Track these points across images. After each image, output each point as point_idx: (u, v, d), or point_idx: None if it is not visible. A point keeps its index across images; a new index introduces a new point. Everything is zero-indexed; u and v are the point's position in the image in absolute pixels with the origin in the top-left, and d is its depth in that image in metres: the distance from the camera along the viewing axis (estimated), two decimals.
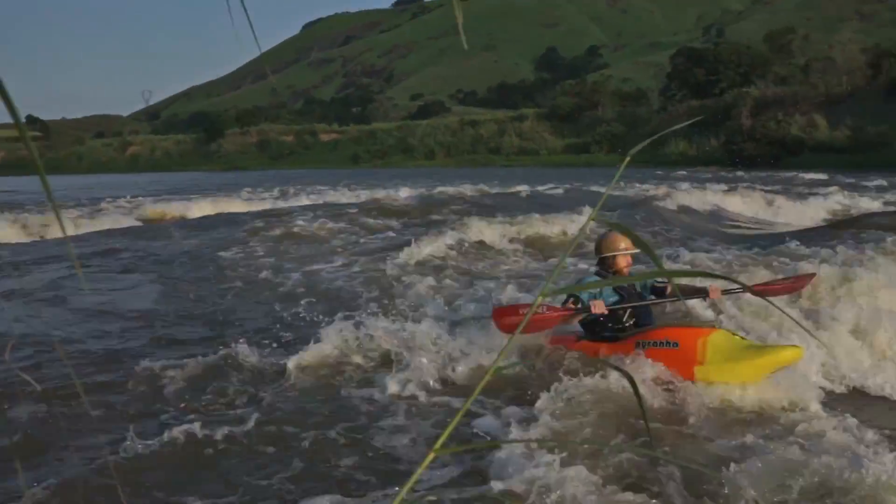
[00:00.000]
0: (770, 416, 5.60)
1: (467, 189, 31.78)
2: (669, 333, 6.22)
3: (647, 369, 5.92)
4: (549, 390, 5.76)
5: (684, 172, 57.45)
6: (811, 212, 23.59)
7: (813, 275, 7.45)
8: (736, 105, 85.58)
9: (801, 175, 48.39)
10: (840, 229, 17.03)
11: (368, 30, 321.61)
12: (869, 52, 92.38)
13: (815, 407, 5.68)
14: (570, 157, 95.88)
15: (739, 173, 56.25)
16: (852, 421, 5.29)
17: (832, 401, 6.10)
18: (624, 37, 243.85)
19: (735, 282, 1.21)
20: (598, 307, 6.37)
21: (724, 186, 32.42)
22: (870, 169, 58.72)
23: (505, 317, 6.43)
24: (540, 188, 32.64)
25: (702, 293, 6.70)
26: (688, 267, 9.78)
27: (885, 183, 36.41)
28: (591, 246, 7.33)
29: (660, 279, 6.71)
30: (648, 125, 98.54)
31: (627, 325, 6.65)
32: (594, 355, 6.49)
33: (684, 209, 23.35)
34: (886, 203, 25.26)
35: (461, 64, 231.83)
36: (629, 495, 4.19)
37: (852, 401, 6.30)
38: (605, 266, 6.93)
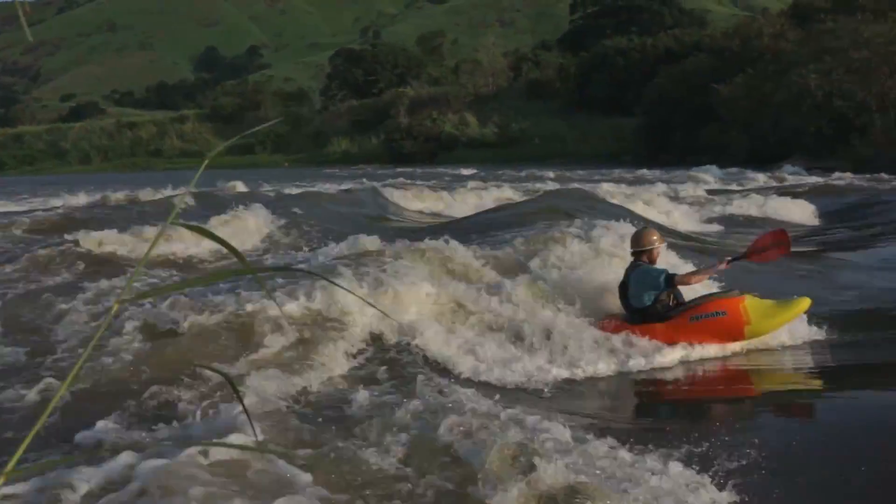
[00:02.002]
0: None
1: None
2: (716, 305, 7.34)
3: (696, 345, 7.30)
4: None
5: (358, 170, 58.12)
6: (464, 204, 24.55)
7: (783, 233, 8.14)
8: (394, 104, 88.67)
9: (458, 170, 50.95)
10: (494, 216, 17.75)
11: (8, 24, 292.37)
12: (510, 55, 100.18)
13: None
14: (234, 159, 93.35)
15: (400, 169, 58.07)
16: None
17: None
18: (284, 37, 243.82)
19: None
20: (724, 265, 7.71)
21: (391, 181, 32.97)
22: (515, 162, 63.50)
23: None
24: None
25: (713, 266, 7.89)
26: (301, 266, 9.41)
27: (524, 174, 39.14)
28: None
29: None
30: (311, 125, 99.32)
31: (673, 305, 7.55)
32: (652, 335, 7.33)
33: (351, 203, 23.28)
34: (530, 192, 27.15)
35: (116, 63, 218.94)
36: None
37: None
38: (643, 257, 7.82)
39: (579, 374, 6.90)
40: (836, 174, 34.12)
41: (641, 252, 7.84)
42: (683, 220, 19.54)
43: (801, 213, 21.81)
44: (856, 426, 5.20)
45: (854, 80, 46.10)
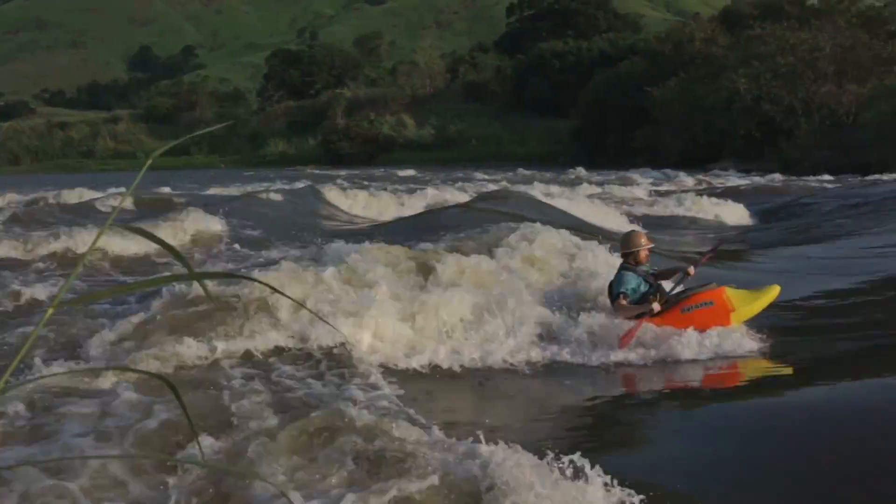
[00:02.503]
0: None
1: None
2: (703, 296, 7.88)
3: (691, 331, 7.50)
4: None
5: (294, 171, 57.60)
6: (402, 206, 24.52)
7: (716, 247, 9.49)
8: (331, 105, 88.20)
9: (396, 171, 50.91)
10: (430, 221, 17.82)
11: None
12: (447, 57, 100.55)
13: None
14: (169, 160, 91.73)
15: (336, 171, 57.77)
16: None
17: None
18: (220, 37, 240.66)
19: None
20: (656, 306, 7.83)
21: (328, 184, 32.65)
22: (453, 163, 63.77)
23: (626, 339, 7.52)
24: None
25: (682, 269, 8.42)
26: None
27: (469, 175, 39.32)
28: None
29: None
30: (248, 126, 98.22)
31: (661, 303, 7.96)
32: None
33: (286, 206, 23.08)
34: (469, 193, 27.33)
35: (46, 61, 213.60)
36: None
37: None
38: (630, 259, 8.24)
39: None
40: (765, 175, 35.08)
41: (628, 254, 8.28)
42: (617, 221, 19.85)
43: (732, 213, 22.38)
44: (780, 428, 5.22)
45: (781, 84, 47.39)
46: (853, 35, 49.37)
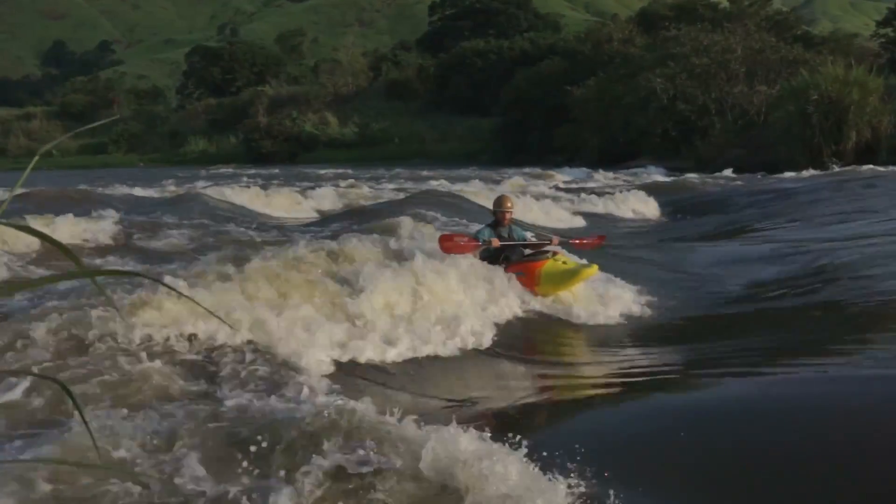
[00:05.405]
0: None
1: None
2: (522, 267, 9.47)
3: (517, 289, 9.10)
4: None
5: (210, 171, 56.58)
6: (323, 204, 24.44)
7: (603, 237, 11.24)
8: (252, 103, 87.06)
9: (317, 170, 50.62)
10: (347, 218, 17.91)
11: None
12: (370, 55, 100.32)
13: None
14: (86, 159, 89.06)
15: (257, 170, 57.04)
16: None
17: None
18: (137, 33, 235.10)
19: None
20: (495, 242, 9.50)
21: (242, 183, 32.17)
22: (375, 161, 63.79)
23: (446, 241, 9.36)
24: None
25: (546, 241, 9.93)
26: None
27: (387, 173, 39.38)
28: None
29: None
30: (167, 124, 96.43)
31: (502, 259, 9.58)
32: None
33: (204, 205, 22.80)
34: (394, 190, 27.56)
35: None
36: None
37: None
38: (496, 218, 9.83)
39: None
40: (681, 173, 36.09)
41: (494, 212, 9.93)
42: (542, 216, 20.22)
43: (647, 209, 23.08)
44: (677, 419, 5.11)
45: (695, 84, 48.71)
46: (762, 38, 51.05)
